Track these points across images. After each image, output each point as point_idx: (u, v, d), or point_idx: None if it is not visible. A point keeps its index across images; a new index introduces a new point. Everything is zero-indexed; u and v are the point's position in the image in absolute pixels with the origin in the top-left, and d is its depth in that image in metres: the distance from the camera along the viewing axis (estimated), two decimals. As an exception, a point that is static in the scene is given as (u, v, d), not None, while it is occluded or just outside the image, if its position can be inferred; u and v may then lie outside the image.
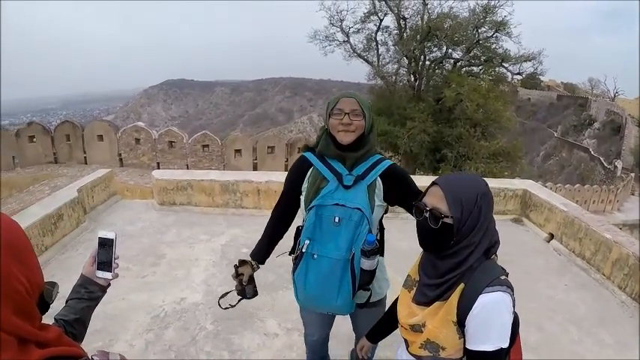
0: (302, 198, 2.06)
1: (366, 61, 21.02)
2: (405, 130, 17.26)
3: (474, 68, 20.04)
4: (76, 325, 1.37)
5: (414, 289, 1.60)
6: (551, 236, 5.36)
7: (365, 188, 1.95)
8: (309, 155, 2.08)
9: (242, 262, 2.25)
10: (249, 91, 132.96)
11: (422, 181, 5.91)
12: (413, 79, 20.16)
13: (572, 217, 5.00)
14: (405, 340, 1.64)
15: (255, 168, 14.76)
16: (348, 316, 2.32)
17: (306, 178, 2.05)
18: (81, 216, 5.62)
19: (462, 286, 1.42)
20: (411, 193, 2.02)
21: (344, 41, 21.24)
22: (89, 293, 1.45)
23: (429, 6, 19.31)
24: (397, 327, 1.81)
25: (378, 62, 20.78)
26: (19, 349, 0.87)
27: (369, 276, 1.92)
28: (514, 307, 1.42)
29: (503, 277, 1.43)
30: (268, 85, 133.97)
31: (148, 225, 5.91)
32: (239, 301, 2.28)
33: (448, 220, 1.39)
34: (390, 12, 19.80)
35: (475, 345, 1.40)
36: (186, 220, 6.13)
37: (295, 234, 2.08)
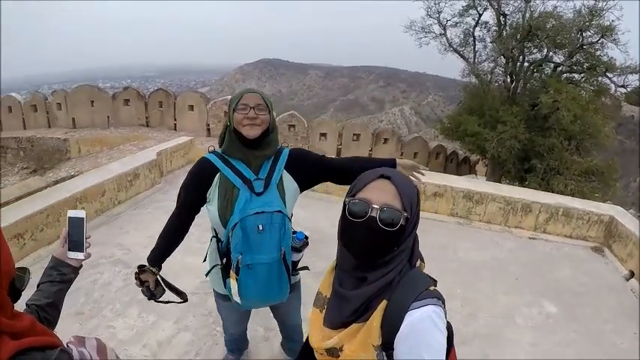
0: (210, 208, 2.01)
1: (462, 56, 19.84)
2: (495, 133, 16.04)
3: (575, 75, 18.20)
4: (49, 309, 1.31)
5: (326, 307, 1.36)
6: (632, 274, 4.72)
7: (276, 189, 1.97)
8: (212, 157, 2.01)
9: (142, 270, 2.19)
10: (342, 77, 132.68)
11: (502, 190, 5.65)
12: (509, 80, 18.73)
13: (659, 257, 4.42)
14: None
15: (338, 154, 14.56)
16: None
17: (213, 186, 1.99)
18: (157, 177, 5.85)
19: (384, 303, 1.19)
20: (320, 162, 2.14)
21: (440, 34, 20.08)
22: (61, 275, 1.40)
23: (531, 3, 17.74)
24: None
25: (474, 59, 19.67)
26: None
27: (297, 264, 2.08)
28: (446, 318, 1.18)
29: (432, 288, 1.22)
30: (362, 73, 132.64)
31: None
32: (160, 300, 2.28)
33: (403, 222, 1.18)
34: (490, 7, 18.42)
35: None
36: (253, 194, 6.21)
37: (220, 251, 2.03)
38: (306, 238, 2.00)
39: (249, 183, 1.93)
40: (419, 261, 1.29)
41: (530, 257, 4.80)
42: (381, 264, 1.21)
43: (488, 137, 16.03)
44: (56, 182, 7.35)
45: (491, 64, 19.30)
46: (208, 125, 14.77)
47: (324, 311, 1.35)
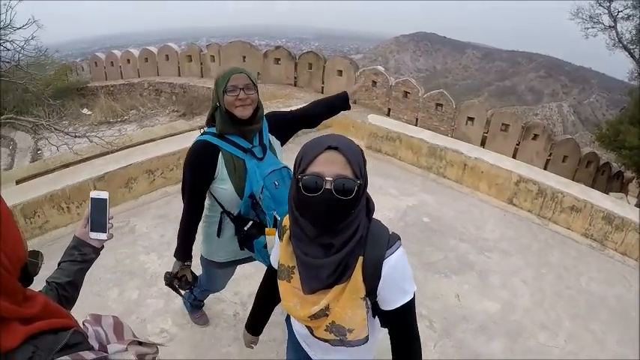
0: (222, 187, 2.12)
1: (632, 55, 16.88)
2: (659, 149, 13.86)
3: None
4: (68, 287, 1.33)
5: (294, 276, 1.42)
6: None
7: (270, 151, 2.16)
8: (209, 138, 2.09)
9: (179, 270, 2.36)
10: (501, 61, 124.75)
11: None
12: (683, 88, 15.88)
13: None
14: (308, 327, 1.49)
15: (483, 142, 13.63)
16: None
17: (219, 165, 2.09)
18: (292, 136, 6.11)
19: (360, 259, 1.33)
20: (290, 118, 2.40)
21: (609, 26, 17.31)
22: (82, 255, 1.40)
23: None
24: (267, 309, 1.88)
25: (645, 60, 16.94)
26: (1, 328, 0.81)
27: None
28: None
29: (391, 232, 1.40)
30: (522, 59, 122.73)
31: (347, 163, 6.05)
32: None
33: (356, 188, 1.25)
34: (670, 1, 15.05)
35: (395, 303, 1.37)
36: (384, 170, 6.14)
37: (237, 221, 2.19)
38: None
39: (250, 151, 2.08)
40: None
41: (661, 307, 4.05)
42: (342, 228, 1.29)
43: (651, 153, 13.94)
44: (200, 127, 7.87)
45: (665, 68, 16.46)
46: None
47: (292, 281, 1.43)
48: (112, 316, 1.15)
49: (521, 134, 13.78)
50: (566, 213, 5.22)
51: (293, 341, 1.84)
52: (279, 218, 2.03)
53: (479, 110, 14.22)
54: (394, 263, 1.33)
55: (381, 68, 15.29)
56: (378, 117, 7.20)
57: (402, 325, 1.44)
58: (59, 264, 1.39)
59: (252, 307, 1.93)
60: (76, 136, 10.23)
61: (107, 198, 1.41)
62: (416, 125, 12.40)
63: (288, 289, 1.44)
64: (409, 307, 1.39)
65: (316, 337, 1.46)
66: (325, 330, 1.39)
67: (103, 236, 1.43)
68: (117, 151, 5.52)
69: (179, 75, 17.66)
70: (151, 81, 17.48)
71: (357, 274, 1.32)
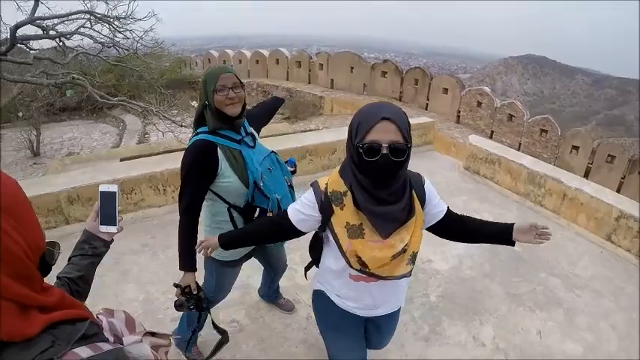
0: (228, 180, 2.05)
1: None
2: None
3: None
4: (79, 282, 1.27)
5: (365, 231, 1.55)
6: None
7: (254, 138, 2.21)
8: (205, 137, 2.05)
9: (182, 285, 2.08)
10: (611, 88, 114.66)
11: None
12: None
13: None
14: (379, 277, 1.61)
15: (586, 173, 12.44)
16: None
17: (221, 160, 2.04)
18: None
19: (413, 193, 1.60)
20: (255, 115, 2.52)
21: None
22: (93, 249, 1.34)
23: None
24: (249, 243, 2.09)
25: None
26: (21, 315, 0.79)
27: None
28: None
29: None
30: (633, 87, 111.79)
31: (443, 182, 5.83)
32: (220, 344, 2.21)
33: (407, 150, 1.43)
34: None
35: (442, 211, 1.75)
36: (480, 193, 5.80)
37: (244, 212, 2.14)
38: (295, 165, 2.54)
39: (243, 141, 2.11)
40: None
41: None
42: (396, 179, 1.50)
43: None
44: (303, 132, 7.91)
45: None
46: (459, 112, 14.27)
47: (365, 235, 1.55)
48: (123, 312, 1.13)
49: (627, 167, 12.50)
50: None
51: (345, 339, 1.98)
52: (279, 199, 2.14)
53: (585, 139, 13.10)
54: (428, 185, 1.71)
55: (487, 89, 14.63)
56: (479, 138, 6.80)
57: (455, 216, 1.81)
58: (69, 259, 1.34)
59: (240, 229, 2.08)
60: (182, 125, 10.66)
61: (117, 191, 1.37)
62: (518, 150, 11.70)
63: (365, 244, 1.55)
64: (449, 211, 1.79)
65: (396, 277, 1.59)
66: (407, 264, 1.58)
67: (113, 229, 1.38)
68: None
69: (287, 79, 17.99)
70: (260, 82, 17.93)
71: (417, 204, 1.60)
